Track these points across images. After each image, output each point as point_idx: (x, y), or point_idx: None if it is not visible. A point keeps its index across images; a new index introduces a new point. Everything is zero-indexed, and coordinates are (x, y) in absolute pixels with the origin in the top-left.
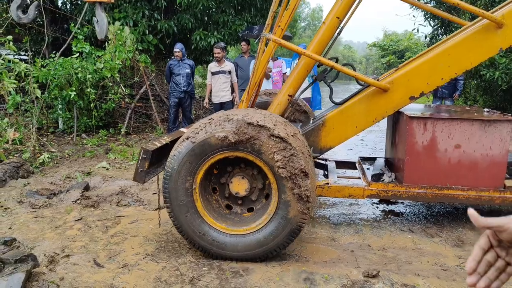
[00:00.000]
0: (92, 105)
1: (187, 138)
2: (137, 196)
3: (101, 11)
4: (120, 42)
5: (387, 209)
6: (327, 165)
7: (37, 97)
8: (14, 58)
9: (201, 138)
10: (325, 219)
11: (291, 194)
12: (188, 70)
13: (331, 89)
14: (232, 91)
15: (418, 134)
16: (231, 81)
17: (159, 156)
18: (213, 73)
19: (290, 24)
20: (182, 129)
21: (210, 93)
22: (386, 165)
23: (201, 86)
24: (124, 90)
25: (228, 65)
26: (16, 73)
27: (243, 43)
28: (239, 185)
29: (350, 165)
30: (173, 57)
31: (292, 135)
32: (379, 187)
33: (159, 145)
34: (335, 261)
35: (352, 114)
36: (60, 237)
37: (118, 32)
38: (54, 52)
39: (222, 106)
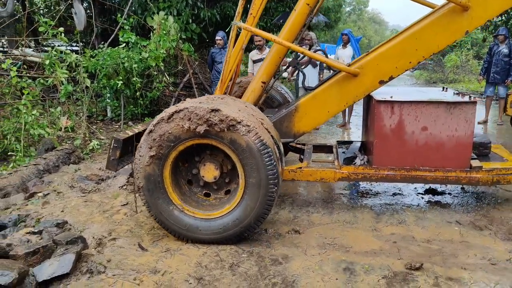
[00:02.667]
0: (138, 93)
1: (150, 132)
2: None
3: (78, 3)
4: (164, 32)
5: (433, 200)
6: (303, 149)
7: (87, 87)
8: (66, 49)
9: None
10: (367, 208)
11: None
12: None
13: (304, 75)
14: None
15: (386, 118)
16: None
17: (134, 145)
18: (254, 61)
19: (334, 9)
20: None
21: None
22: (361, 149)
23: (243, 74)
24: (168, 78)
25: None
26: (67, 63)
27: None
28: (209, 172)
29: (328, 149)
30: (215, 45)
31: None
32: (350, 170)
33: (130, 134)
34: (376, 252)
35: (324, 99)
36: (108, 221)
37: (162, 21)
38: (102, 42)
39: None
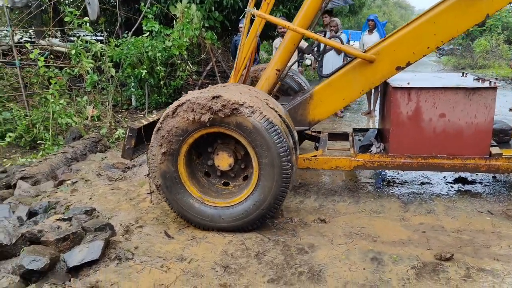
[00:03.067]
0: (161, 82)
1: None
2: None
3: None
4: (187, 20)
5: (463, 189)
6: (318, 137)
7: (112, 76)
8: (91, 39)
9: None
10: (394, 197)
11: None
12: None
13: (319, 62)
14: (298, 65)
15: (402, 104)
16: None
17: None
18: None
19: None
20: None
21: None
22: (378, 136)
23: (266, 61)
24: (191, 67)
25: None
26: (93, 53)
27: (325, 15)
28: (223, 161)
29: (344, 137)
30: (238, 33)
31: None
32: (365, 158)
33: (145, 123)
34: (404, 242)
35: (340, 87)
36: (134, 209)
37: (185, 10)
38: (126, 32)
39: None
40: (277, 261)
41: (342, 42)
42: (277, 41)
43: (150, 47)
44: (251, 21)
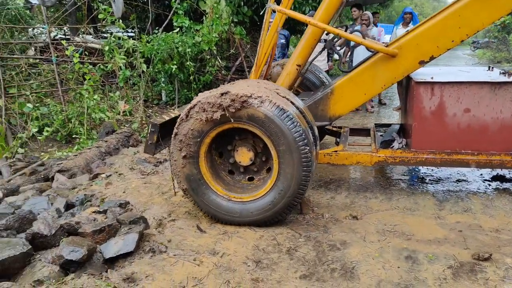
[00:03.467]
0: (191, 77)
1: (175, 135)
2: None
3: None
4: (216, 15)
5: (501, 187)
6: (340, 132)
7: (143, 71)
8: (123, 35)
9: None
10: (428, 195)
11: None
12: (283, 41)
13: (340, 56)
14: (329, 59)
15: (425, 99)
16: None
17: (170, 128)
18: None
19: None
20: None
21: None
22: (400, 132)
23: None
24: (220, 62)
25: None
26: (125, 49)
27: (354, 9)
28: (243, 156)
29: (365, 132)
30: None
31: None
32: (387, 154)
33: (167, 118)
34: (440, 241)
35: (361, 81)
36: (167, 203)
37: (215, 5)
38: (157, 28)
39: None
40: (309, 257)
41: (363, 37)
42: None
43: (180, 43)
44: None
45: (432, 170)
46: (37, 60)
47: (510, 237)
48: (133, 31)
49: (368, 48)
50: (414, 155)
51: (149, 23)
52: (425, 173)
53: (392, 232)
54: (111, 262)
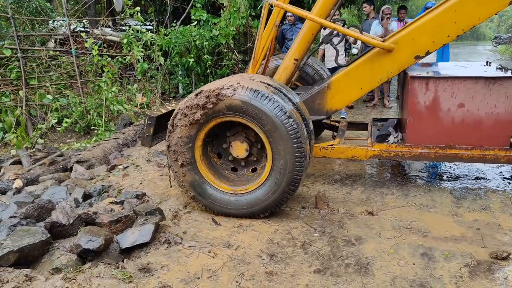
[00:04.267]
0: (208, 71)
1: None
2: None
3: None
4: (234, 9)
5: None
6: (337, 126)
7: (160, 64)
8: (141, 28)
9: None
10: (445, 192)
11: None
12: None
13: (337, 51)
14: (346, 55)
15: (420, 94)
16: (344, 45)
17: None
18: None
19: None
20: None
21: (322, 58)
22: (397, 126)
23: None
24: (237, 56)
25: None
26: (143, 42)
27: (365, 4)
28: (239, 149)
29: (363, 127)
30: (285, 22)
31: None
32: (382, 148)
33: (164, 111)
34: (457, 238)
35: (357, 76)
36: (183, 195)
37: None
38: (175, 21)
39: (335, 71)
40: (323, 252)
41: (360, 32)
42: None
43: (197, 36)
44: (270, 11)
45: (450, 167)
46: (57, 52)
47: None
48: (151, 24)
49: (364, 43)
50: (409, 150)
51: (167, 16)
52: (443, 170)
53: (408, 228)
54: (127, 252)
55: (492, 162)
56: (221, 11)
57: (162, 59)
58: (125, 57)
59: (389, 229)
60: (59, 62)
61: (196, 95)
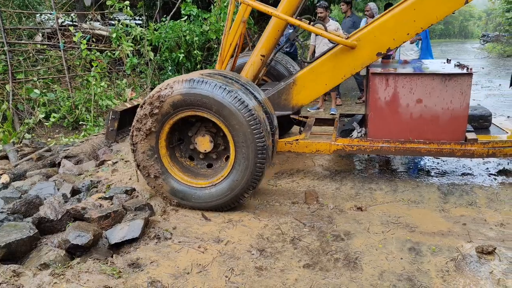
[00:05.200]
0: (198, 66)
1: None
2: None
3: None
4: (224, 4)
5: (507, 182)
6: (305, 122)
7: (150, 59)
8: (131, 23)
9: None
10: (433, 188)
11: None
12: (291, 31)
13: (302, 48)
14: None
15: (380, 90)
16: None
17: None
18: (316, 34)
19: None
20: None
21: (313, 54)
22: (361, 122)
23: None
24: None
25: (332, 25)
26: (132, 37)
27: (342, 3)
28: (204, 143)
29: (331, 122)
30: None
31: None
32: (345, 142)
33: (129, 106)
34: (444, 233)
35: (322, 72)
36: None
37: None
38: (165, 16)
39: None
40: (312, 247)
41: (325, 29)
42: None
43: (188, 31)
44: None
45: (438, 163)
46: (45, 46)
47: None
48: (140, 18)
49: (329, 40)
50: (370, 144)
51: (157, 11)
52: (430, 166)
53: (396, 223)
54: (117, 248)
55: (449, 155)
56: (212, 6)
57: (151, 54)
58: (114, 52)
59: (377, 224)
60: (46, 56)
61: (141, 106)
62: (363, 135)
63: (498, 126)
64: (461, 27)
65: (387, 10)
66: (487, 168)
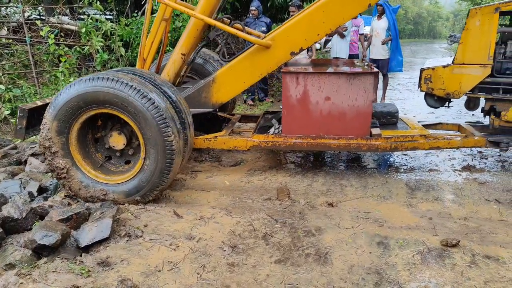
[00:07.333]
0: None
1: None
2: (213, 153)
3: None
4: (197, 1)
5: (470, 177)
6: (229, 119)
7: (121, 55)
8: (101, 18)
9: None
10: (401, 183)
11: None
12: (264, 28)
13: (222, 47)
14: (308, 50)
15: (291, 88)
16: None
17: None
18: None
19: None
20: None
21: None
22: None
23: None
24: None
25: None
26: (102, 32)
27: (292, 8)
28: (117, 140)
29: (255, 119)
30: (249, 15)
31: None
32: (260, 139)
33: (40, 103)
34: (411, 227)
35: (240, 71)
36: None
37: None
38: (136, 11)
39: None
40: (284, 243)
41: (243, 29)
42: None
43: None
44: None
45: (406, 159)
46: (10, 40)
47: (478, 225)
48: (111, 13)
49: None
50: (284, 140)
51: (128, 5)
52: (399, 162)
53: (365, 219)
54: (86, 247)
55: (356, 150)
56: (185, 2)
57: (123, 50)
58: (83, 47)
59: (347, 220)
60: (12, 51)
61: (43, 128)
62: (279, 132)
63: (404, 122)
64: (429, 27)
65: (299, 12)
66: (453, 164)
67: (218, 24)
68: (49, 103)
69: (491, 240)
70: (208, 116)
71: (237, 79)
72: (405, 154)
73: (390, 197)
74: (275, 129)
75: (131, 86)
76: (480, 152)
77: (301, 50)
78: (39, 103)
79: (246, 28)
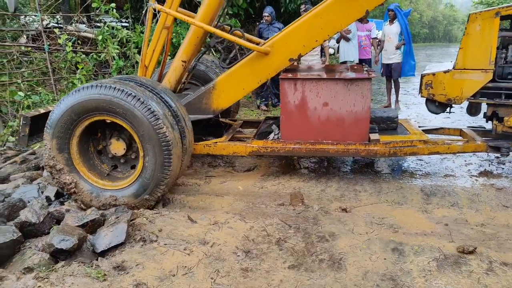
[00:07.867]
0: None
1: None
2: (227, 158)
3: None
4: None
5: (487, 183)
6: (231, 125)
7: (137, 62)
8: (117, 25)
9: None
10: (416, 189)
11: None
12: None
13: (221, 54)
14: (322, 55)
15: (290, 94)
16: (321, 45)
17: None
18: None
19: None
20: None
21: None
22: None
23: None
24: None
25: None
26: (118, 39)
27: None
28: (117, 147)
29: (257, 125)
30: (262, 21)
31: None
32: (260, 144)
33: (43, 111)
34: (426, 234)
35: (239, 77)
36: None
37: None
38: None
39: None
40: (298, 248)
41: (242, 35)
42: None
43: (174, 34)
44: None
45: (421, 165)
46: (29, 48)
47: (495, 231)
48: (127, 21)
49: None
50: (283, 146)
51: (144, 13)
52: (414, 167)
53: (380, 224)
54: (102, 251)
55: (355, 155)
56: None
57: (138, 56)
58: (100, 54)
59: (361, 225)
60: (31, 59)
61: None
62: (279, 137)
63: (405, 127)
64: (445, 31)
65: (298, 19)
66: (469, 170)
67: (218, 31)
68: (51, 110)
69: (508, 247)
70: (211, 121)
71: (237, 85)
72: (420, 160)
73: (405, 203)
74: (274, 134)
75: (115, 88)
76: (498, 157)
77: (300, 56)
78: (42, 110)
79: (246, 34)
